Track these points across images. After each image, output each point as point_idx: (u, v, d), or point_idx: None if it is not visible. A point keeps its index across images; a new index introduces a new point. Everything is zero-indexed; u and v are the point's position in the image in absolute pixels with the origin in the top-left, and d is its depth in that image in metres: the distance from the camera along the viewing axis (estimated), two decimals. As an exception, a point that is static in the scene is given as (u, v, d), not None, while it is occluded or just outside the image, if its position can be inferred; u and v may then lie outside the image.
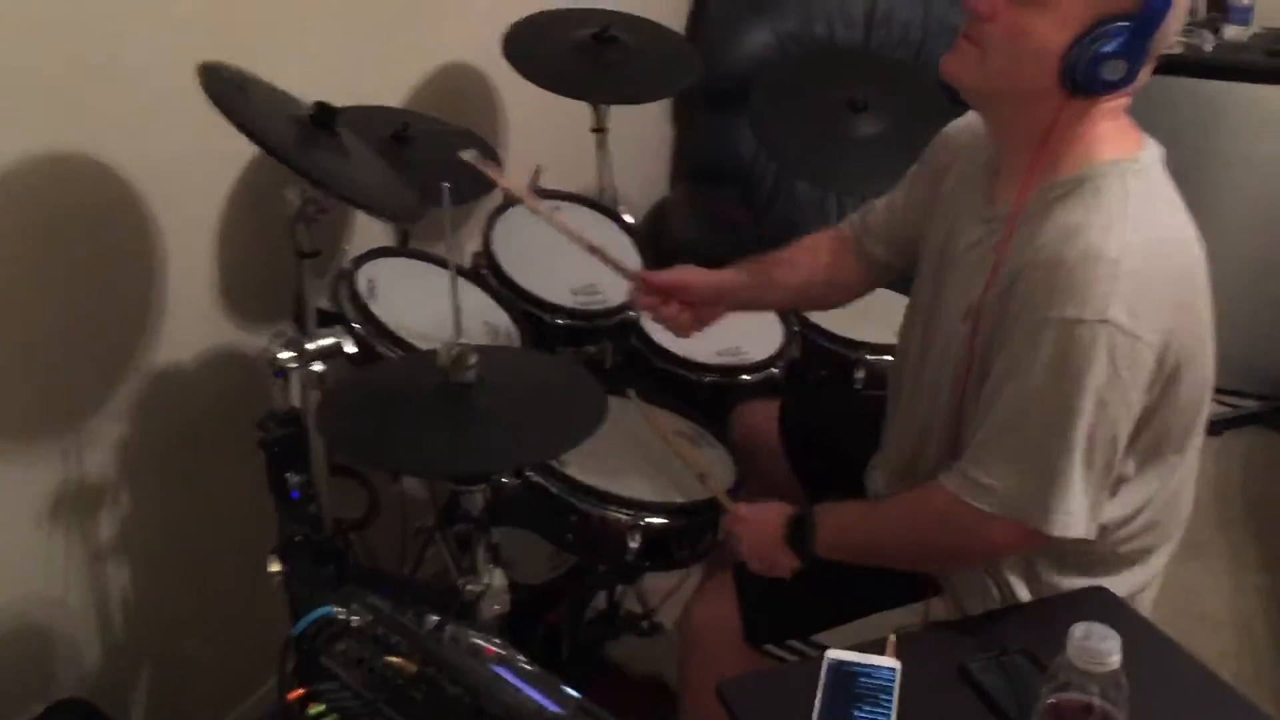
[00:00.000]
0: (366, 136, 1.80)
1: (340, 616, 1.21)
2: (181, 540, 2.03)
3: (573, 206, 2.29)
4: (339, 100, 1.65)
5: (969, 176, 1.57)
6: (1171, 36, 1.34)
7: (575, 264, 2.16)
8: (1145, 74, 1.37)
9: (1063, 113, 1.35)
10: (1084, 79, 1.31)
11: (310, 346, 1.69)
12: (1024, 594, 1.53)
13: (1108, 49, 1.29)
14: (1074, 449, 1.34)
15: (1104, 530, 1.46)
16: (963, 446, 1.47)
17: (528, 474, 1.73)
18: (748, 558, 1.63)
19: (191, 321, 1.95)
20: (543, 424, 1.49)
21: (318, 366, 1.69)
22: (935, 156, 1.68)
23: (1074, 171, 1.38)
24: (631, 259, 2.22)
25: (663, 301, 1.78)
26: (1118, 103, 1.39)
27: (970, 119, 1.62)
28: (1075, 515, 1.36)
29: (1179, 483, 1.52)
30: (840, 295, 1.87)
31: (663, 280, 1.78)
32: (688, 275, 1.79)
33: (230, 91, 1.49)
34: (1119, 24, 1.28)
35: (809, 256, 1.84)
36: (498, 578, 1.57)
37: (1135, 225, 1.33)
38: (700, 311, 1.80)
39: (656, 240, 3.03)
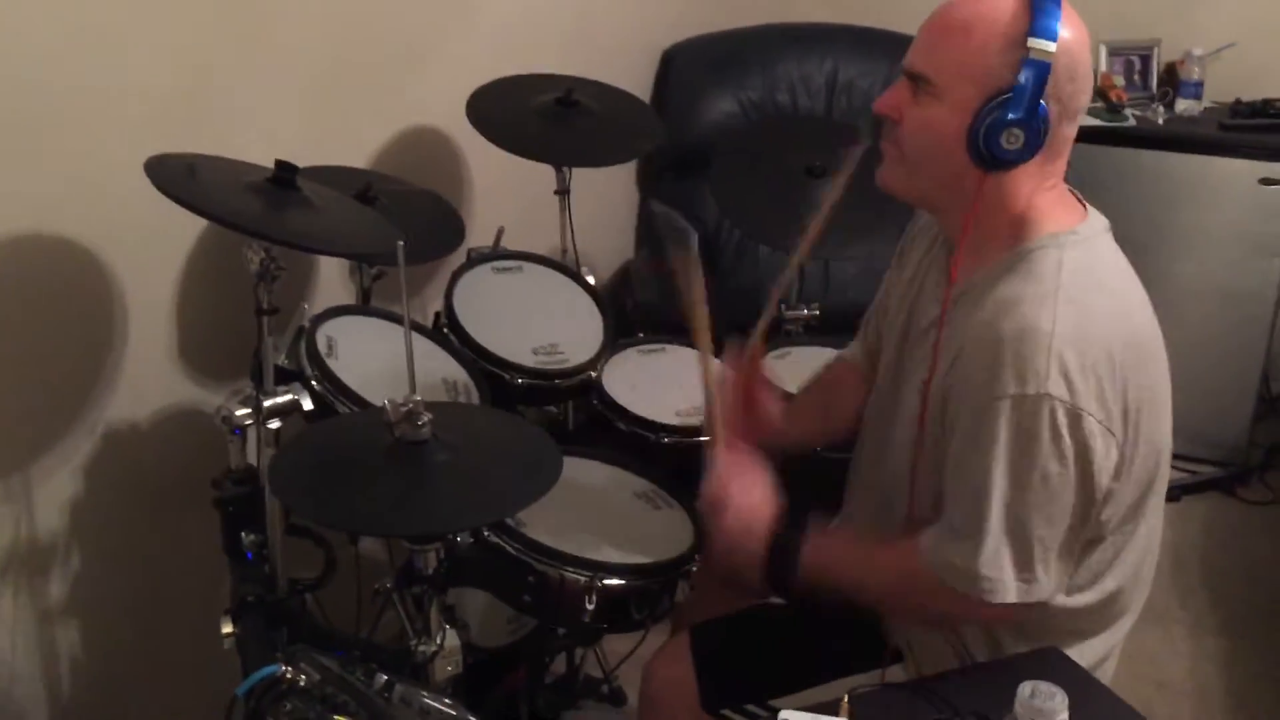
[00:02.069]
0: (328, 196, 1.81)
1: (287, 675, 1.21)
2: (133, 601, 2.00)
3: (535, 267, 2.30)
4: (303, 162, 1.66)
5: (930, 255, 1.60)
6: (1078, 99, 1.38)
7: (537, 323, 2.18)
8: (1064, 138, 1.40)
9: (985, 188, 1.39)
10: (988, 152, 1.36)
11: (268, 404, 1.69)
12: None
13: (999, 121, 1.34)
14: (1027, 522, 1.36)
15: (1068, 598, 1.48)
16: (917, 517, 1.49)
17: (485, 533, 1.72)
18: (716, 548, 1.58)
19: (149, 379, 1.94)
20: (498, 482, 1.48)
21: (275, 424, 1.69)
22: (900, 252, 1.71)
23: (1013, 248, 1.42)
24: (593, 320, 2.24)
25: (745, 392, 1.76)
26: (1045, 172, 1.42)
27: None
28: (1033, 584, 1.38)
29: (1141, 551, 1.53)
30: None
31: (758, 376, 1.77)
32: (772, 401, 1.78)
33: (178, 178, 1.53)
34: (1004, 97, 1.34)
35: (836, 391, 1.84)
36: (451, 638, 1.55)
37: (1069, 295, 1.35)
38: (747, 426, 1.75)
39: (620, 303, 3.05)
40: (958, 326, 1.42)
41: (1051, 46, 1.32)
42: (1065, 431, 1.32)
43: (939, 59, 1.38)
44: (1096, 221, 1.46)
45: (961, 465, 1.39)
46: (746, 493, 1.58)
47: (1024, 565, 1.38)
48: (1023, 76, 1.33)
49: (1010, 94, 1.33)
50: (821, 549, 1.54)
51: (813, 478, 1.96)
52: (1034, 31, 1.32)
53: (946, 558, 1.40)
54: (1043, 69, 1.32)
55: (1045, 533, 1.37)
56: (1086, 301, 1.36)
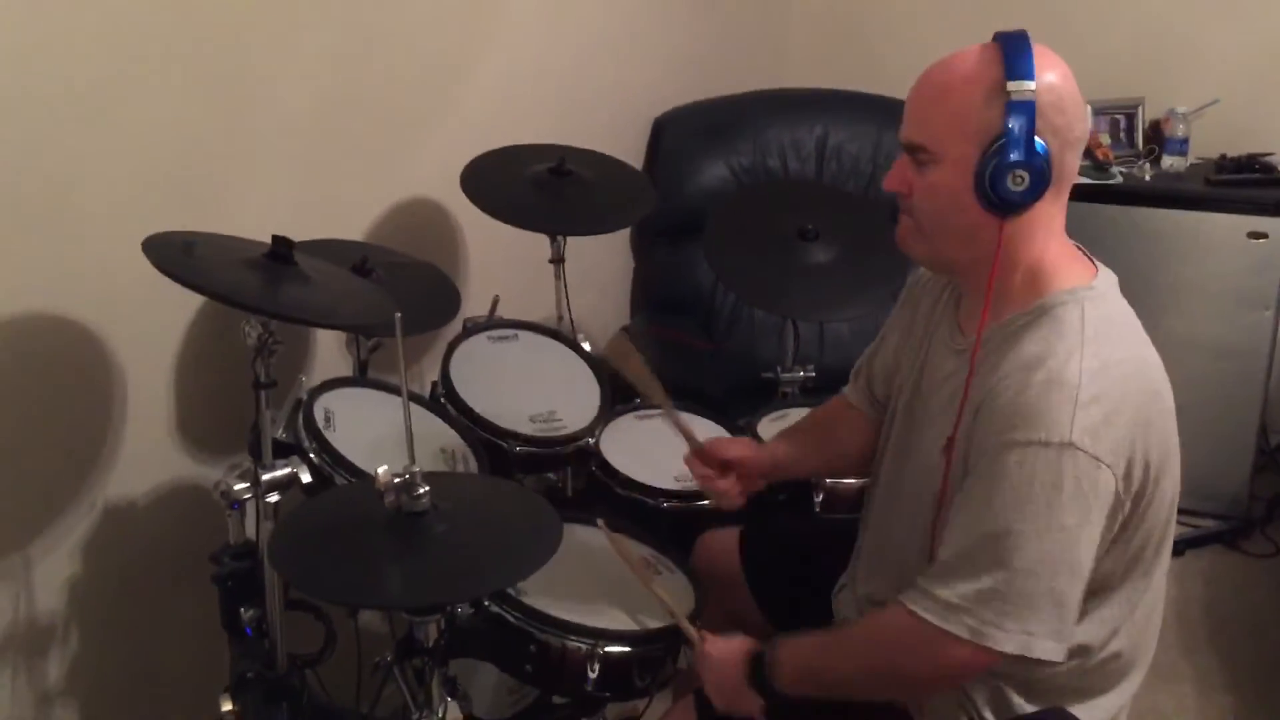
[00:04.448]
0: (325, 269, 1.83)
1: (288, 752, 1.20)
2: (132, 679, 1.98)
3: (531, 335, 2.31)
4: (299, 236, 1.68)
5: (939, 309, 1.62)
6: (1074, 128, 1.41)
7: (534, 391, 2.18)
8: (1070, 169, 1.43)
9: (1004, 235, 1.42)
10: (999, 197, 1.39)
11: (266, 478, 1.69)
12: (993, 721, 1.52)
13: (1002, 165, 1.37)
14: (1037, 570, 1.35)
15: (1075, 656, 1.46)
16: None
17: (485, 603, 1.71)
18: (712, 698, 1.59)
19: (147, 455, 1.94)
20: (498, 551, 1.47)
21: (273, 498, 1.69)
22: (908, 296, 1.74)
23: (1033, 303, 1.44)
24: (590, 386, 2.25)
25: (720, 474, 1.82)
26: (1054, 210, 1.44)
27: None
28: (1035, 636, 1.36)
29: (1148, 607, 1.52)
30: (862, 462, 1.87)
31: (725, 454, 1.82)
32: (744, 451, 1.84)
33: (175, 255, 1.55)
34: (999, 143, 1.37)
35: (836, 426, 1.87)
36: (453, 710, 1.53)
37: (1094, 350, 1.37)
38: (747, 483, 1.84)
39: (616, 369, 3.06)
40: (980, 380, 1.43)
41: (1031, 85, 1.36)
42: (1085, 483, 1.32)
43: (930, 126, 1.42)
44: (1108, 278, 1.48)
45: (973, 508, 1.38)
46: (716, 643, 1.64)
47: (1029, 617, 1.36)
48: (1011, 120, 1.36)
49: (1004, 139, 1.36)
50: (795, 646, 1.54)
51: (816, 539, 1.96)
52: (1010, 75, 1.37)
53: (938, 594, 1.39)
54: (1029, 108, 1.36)
55: (1055, 585, 1.35)
56: (1109, 356, 1.37)
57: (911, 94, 1.45)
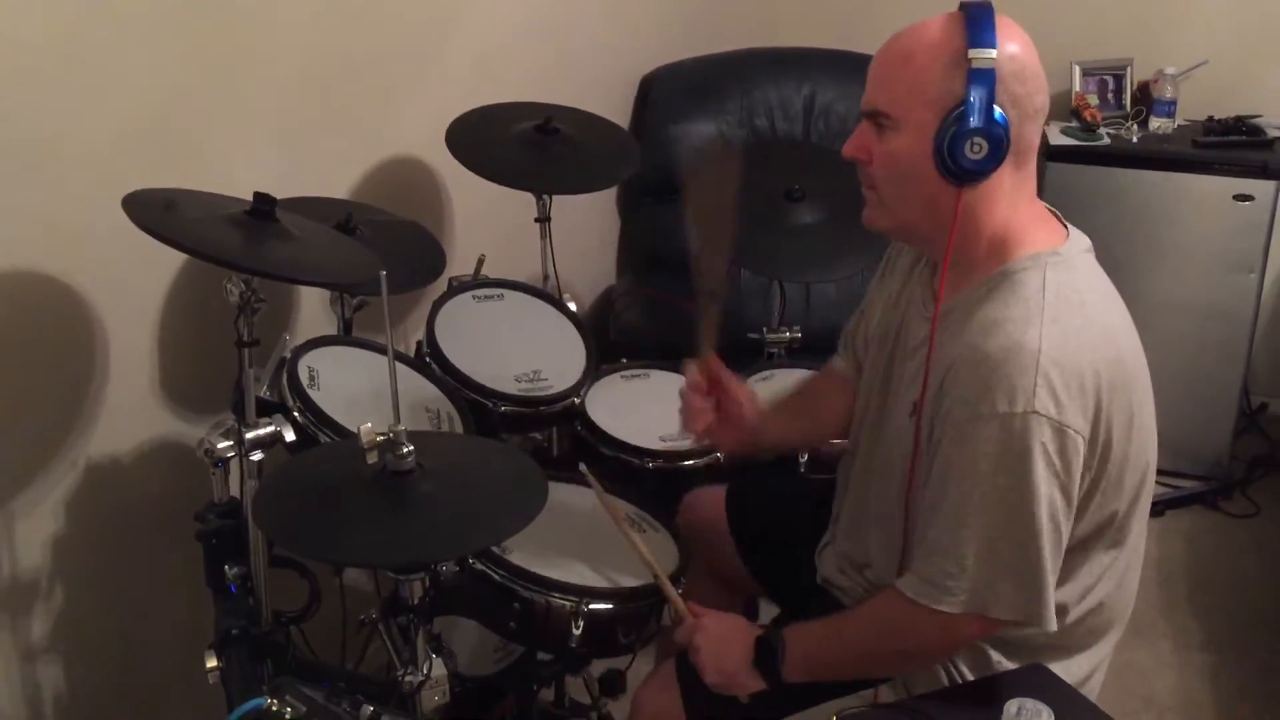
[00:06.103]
0: (308, 227, 1.82)
1: (273, 708, 1.20)
2: (116, 637, 1.99)
3: (516, 295, 2.30)
4: (282, 194, 1.67)
5: (915, 275, 1.62)
6: (1034, 99, 1.41)
7: (519, 351, 2.18)
8: (1029, 142, 1.43)
9: (962, 204, 1.42)
10: (957, 165, 1.39)
11: (250, 436, 1.68)
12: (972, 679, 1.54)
13: (960, 133, 1.37)
14: (1016, 538, 1.37)
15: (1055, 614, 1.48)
16: (910, 539, 1.50)
17: (470, 561, 1.72)
18: (706, 673, 1.59)
19: (130, 413, 1.93)
20: (483, 510, 1.48)
21: (257, 456, 1.68)
22: (887, 263, 1.74)
23: (996, 269, 1.44)
24: (576, 346, 2.24)
25: (707, 390, 1.76)
26: (1018, 182, 1.44)
27: None
28: (1023, 601, 1.39)
29: (1125, 566, 1.54)
30: (842, 434, 1.88)
31: (719, 374, 1.76)
32: (746, 394, 1.77)
33: (156, 212, 1.54)
34: (959, 110, 1.37)
35: (820, 400, 1.86)
36: (438, 667, 1.54)
37: (1054, 315, 1.37)
38: (723, 428, 1.77)
39: (603, 329, 3.06)
40: (945, 346, 1.44)
41: (992, 54, 1.36)
42: (1052, 448, 1.34)
43: (890, 92, 1.42)
44: (1078, 242, 1.48)
45: (947, 482, 1.40)
46: (718, 619, 1.62)
47: (1010, 581, 1.38)
48: (971, 88, 1.36)
49: (963, 106, 1.37)
50: (802, 634, 1.55)
51: (800, 497, 1.97)
52: (972, 43, 1.37)
53: (930, 576, 1.41)
54: (989, 76, 1.36)
55: (1029, 549, 1.37)
56: (1070, 321, 1.38)
57: (875, 61, 1.45)
